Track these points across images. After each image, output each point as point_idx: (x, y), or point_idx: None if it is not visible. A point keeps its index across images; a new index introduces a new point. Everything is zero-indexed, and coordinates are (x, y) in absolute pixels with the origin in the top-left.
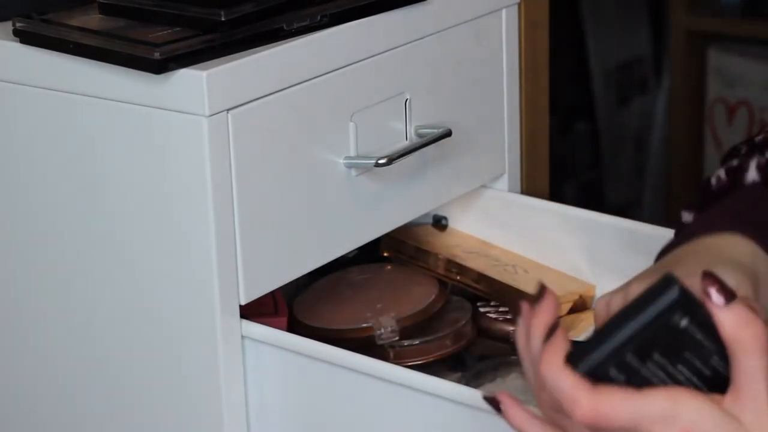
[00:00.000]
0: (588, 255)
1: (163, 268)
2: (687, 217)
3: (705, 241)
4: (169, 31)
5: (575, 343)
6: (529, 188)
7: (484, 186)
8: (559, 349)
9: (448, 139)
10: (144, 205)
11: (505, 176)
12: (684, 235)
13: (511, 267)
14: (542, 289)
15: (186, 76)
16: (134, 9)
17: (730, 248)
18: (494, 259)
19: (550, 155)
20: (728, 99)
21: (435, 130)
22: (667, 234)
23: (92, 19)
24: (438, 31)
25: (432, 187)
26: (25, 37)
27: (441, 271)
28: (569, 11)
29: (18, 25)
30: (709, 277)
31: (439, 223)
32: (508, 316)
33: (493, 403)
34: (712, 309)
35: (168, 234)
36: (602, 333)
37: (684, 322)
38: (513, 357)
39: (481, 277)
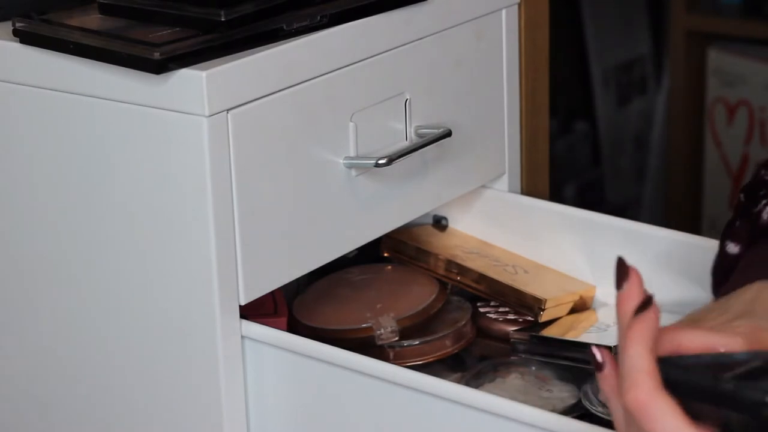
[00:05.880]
0: (588, 255)
1: (162, 268)
2: (733, 248)
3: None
4: (169, 31)
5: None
6: (529, 188)
7: (484, 186)
8: (648, 323)
9: (448, 139)
10: (143, 205)
11: (505, 176)
12: (743, 273)
13: (511, 267)
14: (624, 268)
15: (186, 76)
16: (134, 9)
17: None
18: (494, 259)
19: (550, 155)
20: (728, 99)
21: (435, 130)
22: (666, 234)
23: (92, 19)
24: (438, 31)
25: (432, 187)
26: (25, 37)
27: (441, 271)
28: (569, 11)
29: (18, 25)
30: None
31: (439, 223)
32: (508, 316)
33: (594, 358)
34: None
35: (168, 234)
36: (706, 365)
37: None
38: (513, 357)
39: (481, 278)
